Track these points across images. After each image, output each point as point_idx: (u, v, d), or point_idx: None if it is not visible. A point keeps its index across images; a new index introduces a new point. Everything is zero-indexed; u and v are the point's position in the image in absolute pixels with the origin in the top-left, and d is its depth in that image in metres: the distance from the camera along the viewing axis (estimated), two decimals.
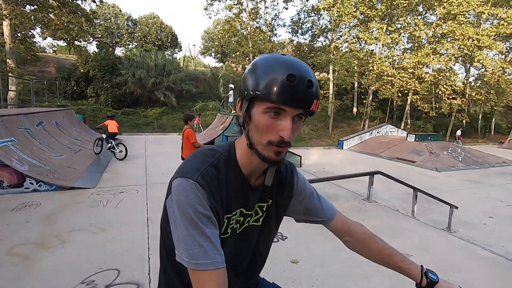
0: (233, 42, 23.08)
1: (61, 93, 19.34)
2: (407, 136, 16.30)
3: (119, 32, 35.43)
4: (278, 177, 0.89)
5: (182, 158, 5.13)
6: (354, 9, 18.82)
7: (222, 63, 35.64)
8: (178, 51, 37.91)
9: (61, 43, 30.97)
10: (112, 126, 8.47)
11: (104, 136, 8.30)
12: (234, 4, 20.72)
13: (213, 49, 38.84)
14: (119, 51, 35.04)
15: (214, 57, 39.97)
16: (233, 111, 14.14)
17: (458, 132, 20.48)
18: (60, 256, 2.94)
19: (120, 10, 35.51)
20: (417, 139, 15.28)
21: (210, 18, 20.56)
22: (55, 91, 20.16)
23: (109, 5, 33.16)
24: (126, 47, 36.15)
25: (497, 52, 22.37)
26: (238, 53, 21.54)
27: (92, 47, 35.26)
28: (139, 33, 34.75)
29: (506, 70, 22.80)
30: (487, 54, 21.85)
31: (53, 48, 33.58)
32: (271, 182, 0.83)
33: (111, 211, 4.28)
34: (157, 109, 22.29)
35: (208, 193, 0.70)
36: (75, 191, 5.06)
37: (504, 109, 25.36)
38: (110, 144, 8.27)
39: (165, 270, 0.85)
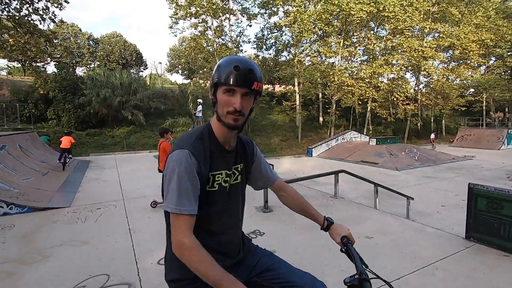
0: (200, 58, 23.48)
1: (17, 116, 18.26)
2: (369, 140, 17.52)
3: (80, 51, 34.36)
4: (242, 146, 1.24)
5: (160, 171, 5.29)
6: (313, 26, 20.23)
7: (189, 80, 35.79)
8: (144, 69, 37.52)
9: (15, 64, 29.34)
10: (64, 142, 9.49)
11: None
12: (199, 23, 21.27)
13: (179, 66, 38.92)
14: (80, 71, 33.88)
15: (181, 74, 40.05)
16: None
17: (432, 136, 21.59)
18: (45, 270, 2.99)
19: (80, 30, 34.58)
20: (378, 143, 16.49)
21: (175, 36, 21.04)
22: (11, 115, 19.01)
23: (68, 24, 32.21)
24: (88, 66, 35.05)
25: (440, 62, 25.02)
26: (205, 69, 21.94)
27: (51, 68, 33.77)
28: (102, 52, 33.97)
29: (449, 77, 25.53)
30: (432, 63, 24.39)
31: (5, 70, 31.63)
32: (235, 145, 1.18)
33: (91, 226, 4.31)
34: (125, 128, 21.75)
35: (197, 158, 1.02)
36: (49, 211, 4.98)
37: (451, 111, 28.12)
38: (62, 159, 9.17)
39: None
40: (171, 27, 21.55)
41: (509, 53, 27.82)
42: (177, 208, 0.98)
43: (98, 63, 34.32)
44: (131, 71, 29.81)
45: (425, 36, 24.53)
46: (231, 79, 0.99)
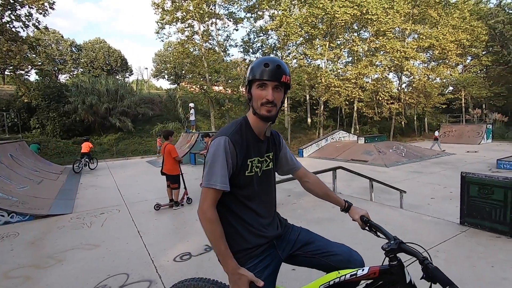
0: (187, 63, 23.47)
1: (4, 125, 17.68)
2: (357, 139, 17.99)
3: (62, 58, 33.56)
4: (272, 137, 1.40)
5: (162, 173, 5.34)
6: (299, 29, 20.66)
7: (176, 85, 35.59)
8: (129, 75, 37.03)
9: None
10: (84, 147, 11.77)
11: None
12: (186, 27, 21.29)
13: (166, 72, 38.65)
14: (63, 78, 33.09)
15: (167, 79, 39.74)
16: (193, 130, 14.43)
17: (436, 133, 20.62)
18: (62, 272, 3.01)
19: (62, 36, 33.82)
20: (366, 141, 16.97)
21: (162, 41, 20.95)
22: None
23: (49, 31, 31.43)
24: (71, 73, 34.26)
25: (421, 62, 26.03)
26: (193, 74, 21.94)
27: (32, 76, 32.77)
28: (85, 59, 33.30)
29: (429, 76, 26.58)
30: (413, 63, 25.33)
31: None
32: (269, 135, 1.35)
33: (99, 230, 4.32)
34: (113, 135, 21.41)
35: (235, 145, 1.18)
36: (52, 218, 4.93)
37: (433, 109, 29.23)
38: (82, 161, 11.26)
39: (221, 214, 1.26)
40: (157, 32, 21.45)
41: (483, 52, 29.31)
42: (207, 183, 1.16)
43: (82, 70, 33.63)
44: (117, 77, 29.38)
45: (406, 37, 25.49)
46: (262, 74, 1.17)
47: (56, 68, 33.31)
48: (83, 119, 20.56)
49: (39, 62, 29.94)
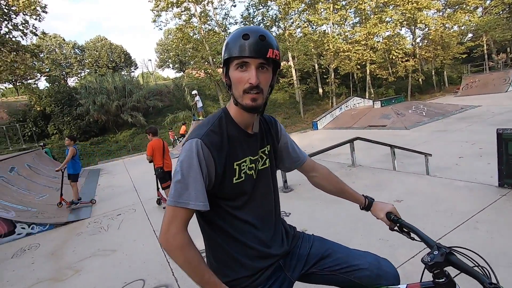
0: (189, 49, 22.90)
1: (19, 137, 18.26)
2: (373, 104, 17.20)
3: (68, 62, 33.85)
4: (266, 126, 1.10)
5: (156, 170, 5.12)
6: None
7: (182, 73, 35.22)
8: (135, 69, 36.97)
9: (7, 85, 29.04)
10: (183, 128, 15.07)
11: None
12: (182, 11, 20.54)
13: (170, 60, 38.21)
14: (72, 82, 33.53)
15: (172, 68, 39.38)
16: (201, 117, 14.23)
17: None
18: (80, 283, 2.96)
19: (64, 40, 33.88)
20: (383, 105, 16.18)
21: (160, 29, 20.42)
22: (13, 137, 19.01)
23: (50, 36, 31.53)
24: (79, 75, 34.62)
25: (436, 10, 24.01)
26: (196, 59, 21.44)
27: (42, 83, 33.46)
28: (90, 59, 33.42)
29: (446, 25, 24.58)
30: (427, 14, 23.42)
31: None
32: (257, 130, 1.03)
33: (116, 233, 4.28)
34: (127, 131, 21.70)
35: (211, 148, 0.89)
36: (71, 225, 4.96)
37: (452, 61, 27.31)
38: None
39: (207, 235, 1.03)
40: (154, 21, 20.91)
41: None
42: (175, 200, 0.87)
43: (88, 70, 33.86)
44: (122, 73, 29.36)
45: None
46: (240, 50, 0.85)
47: (64, 72, 33.72)
48: (97, 119, 20.87)
49: (47, 68, 30.37)
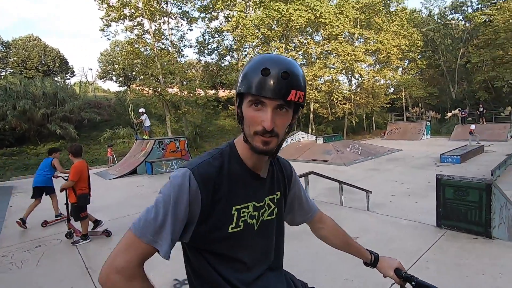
0: (137, 64, 21.87)
1: None
2: (316, 139, 18.44)
3: None
4: (279, 169, 0.98)
5: (80, 198, 4.18)
6: (256, 30, 20.56)
7: (126, 87, 33.13)
8: (71, 76, 33.52)
9: None
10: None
11: None
12: (135, 26, 19.78)
13: (114, 73, 35.78)
14: None
15: (116, 81, 36.82)
16: (146, 137, 13.36)
17: (472, 126, 18.34)
18: None
19: None
20: (324, 141, 17.46)
21: (108, 39, 19.10)
22: None
23: None
24: None
25: (368, 64, 27.83)
26: (146, 75, 20.52)
27: None
28: (15, 58, 29.24)
29: (376, 78, 28.60)
30: (361, 66, 26.98)
31: None
32: (267, 173, 0.91)
33: (34, 272, 3.45)
34: (52, 144, 18.96)
35: (202, 183, 0.76)
36: None
37: (380, 109, 31.52)
38: None
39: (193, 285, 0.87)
40: (103, 30, 19.59)
41: (419, 57, 32.54)
42: (140, 230, 0.72)
43: (11, 70, 29.47)
44: (55, 79, 26.29)
45: (355, 41, 27.06)
46: (257, 87, 0.72)
47: None
48: (14, 127, 17.86)
49: None
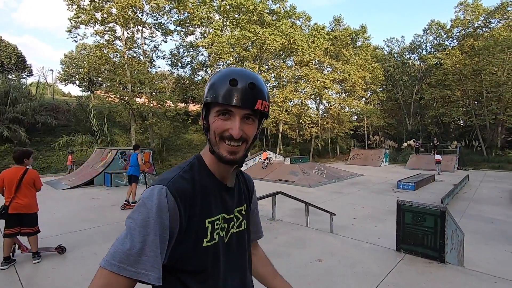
0: (105, 70, 20.95)
1: None
2: (283, 160, 18.73)
3: None
4: (243, 181, 0.98)
5: (9, 215, 3.66)
6: (231, 49, 20.94)
7: (89, 92, 31.40)
8: (28, 75, 31.03)
9: None
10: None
11: None
12: (106, 31, 19.10)
13: (77, 77, 33.85)
14: None
15: (79, 86, 34.79)
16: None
17: (438, 157, 19.48)
18: None
19: None
20: (292, 162, 17.78)
21: (75, 41, 18.03)
22: None
23: None
24: None
25: (335, 92, 29.50)
26: (113, 82, 19.67)
27: None
28: None
29: (342, 105, 30.30)
30: (330, 93, 28.52)
31: None
32: (232, 185, 0.89)
33: None
34: None
35: (179, 199, 0.72)
36: None
37: (344, 134, 33.21)
38: None
39: None
40: (70, 31, 18.64)
41: (380, 89, 35.29)
42: (119, 264, 0.64)
43: None
44: (9, 76, 24.19)
45: (324, 69, 28.69)
46: (225, 96, 0.74)
47: None
48: None
49: None
